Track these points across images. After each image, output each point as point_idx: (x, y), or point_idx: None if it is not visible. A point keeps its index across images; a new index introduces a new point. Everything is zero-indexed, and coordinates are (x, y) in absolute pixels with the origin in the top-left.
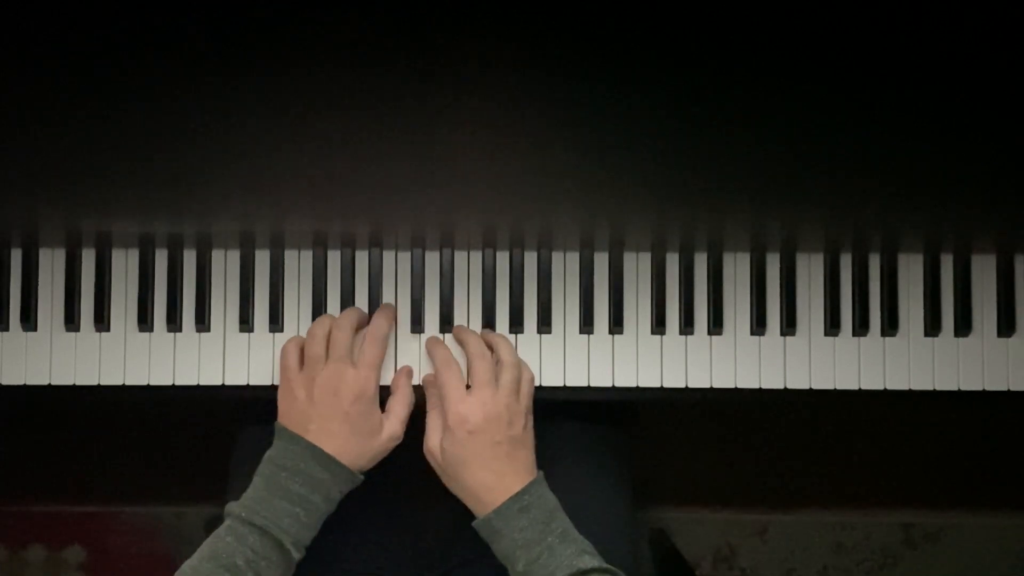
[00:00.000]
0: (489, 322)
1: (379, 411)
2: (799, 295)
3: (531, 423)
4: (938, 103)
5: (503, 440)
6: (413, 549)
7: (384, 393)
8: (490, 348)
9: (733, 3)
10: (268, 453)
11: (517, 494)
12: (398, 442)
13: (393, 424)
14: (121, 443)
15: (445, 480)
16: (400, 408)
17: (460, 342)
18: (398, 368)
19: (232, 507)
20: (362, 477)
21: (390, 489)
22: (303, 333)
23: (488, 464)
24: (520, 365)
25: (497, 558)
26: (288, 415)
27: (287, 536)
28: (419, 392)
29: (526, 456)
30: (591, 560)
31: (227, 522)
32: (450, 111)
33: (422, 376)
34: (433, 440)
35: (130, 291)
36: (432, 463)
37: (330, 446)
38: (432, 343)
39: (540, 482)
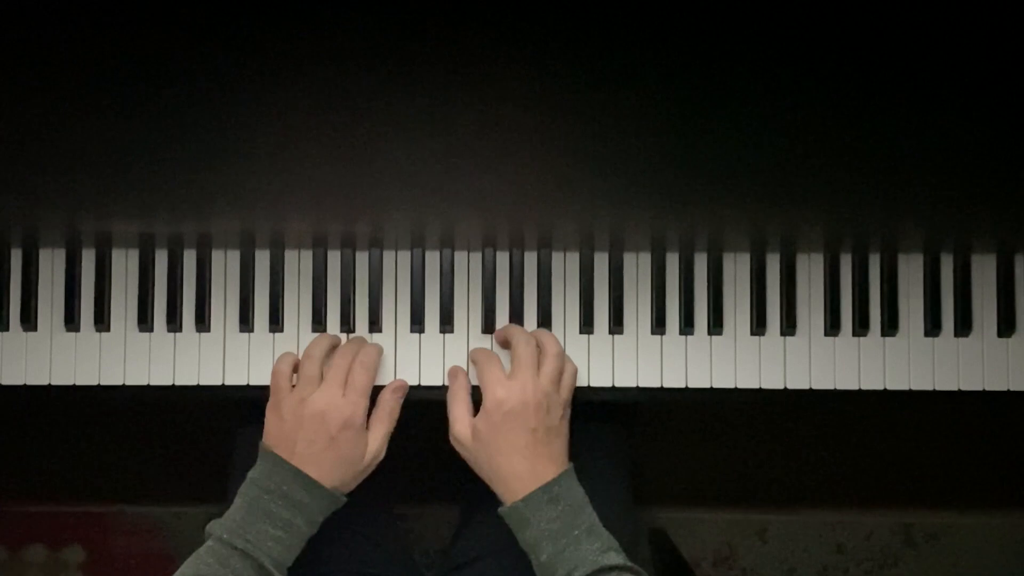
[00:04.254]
0: (489, 322)
1: (366, 436)
2: (799, 295)
3: (568, 415)
4: (938, 103)
5: (538, 427)
6: (412, 548)
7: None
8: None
9: (734, 3)
10: (251, 474)
11: (547, 484)
12: (380, 459)
13: (374, 444)
14: (121, 443)
15: (474, 465)
16: (381, 425)
17: (507, 335)
18: (397, 374)
19: (214, 528)
20: (345, 499)
21: (391, 490)
22: (303, 334)
23: (521, 450)
24: (564, 357)
25: (522, 546)
26: (274, 436)
27: (269, 559)
28: (415, 393)
29: (560, 447)
30: (616, 557)
31: (208, 543)
32: (450, 111)
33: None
34: (458, 427)
35: (130, 291)
36: (460, 450)
37: (314, 471)
38: (476, 351)
39: (570, 474)
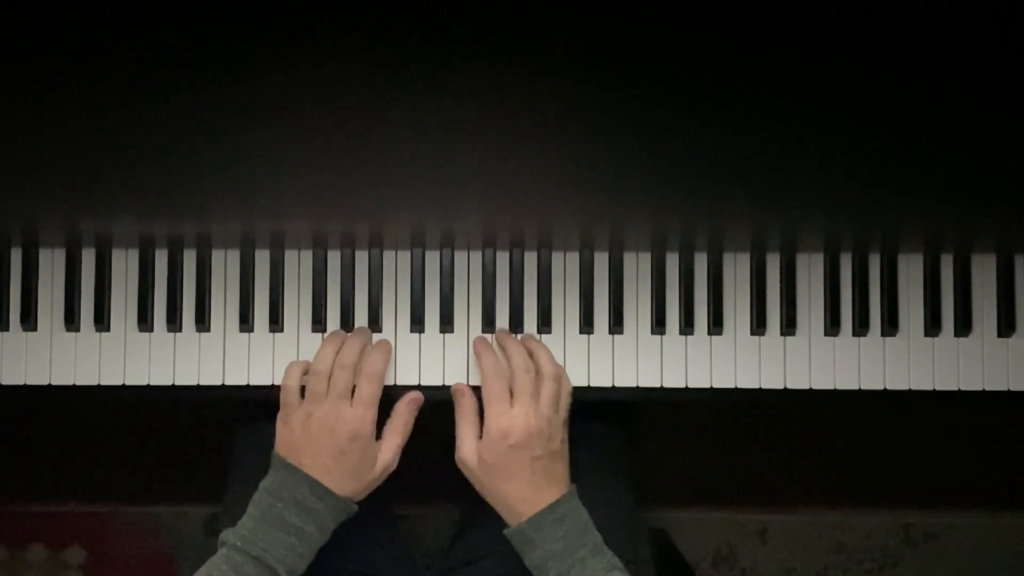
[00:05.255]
0: (489, 322)
1: (375, 446)
2: (799, 295)
3: (567, 436)
4: (938, 103)
5: (543, 455)
6: (413, 549)
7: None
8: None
9: (734, 3)
10: (264, 483)
11: (552, 505)
12: (392, 470)
13: (387, 455)
14: (121, 443)
15: (479, 488)
16: (394, 438)
17: (503, 349)
18: (397, 374)
19: (228, 536)
20: (356, 508)
21: (391, 490)
22: (303, 334)
23: (527, 478)
24: (560, 377)
25: (528, 568)
26: (285, 446)
27: (283, 566)
28: (418, 390)
29: (562, 469)
30: None
31: (222, 551)
32: (450, 111)
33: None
34: (465, 450)
35: (130, 291)
36: (465, 472)
37: (325, 479)
38: (481, 346)
39: (573, 494)
